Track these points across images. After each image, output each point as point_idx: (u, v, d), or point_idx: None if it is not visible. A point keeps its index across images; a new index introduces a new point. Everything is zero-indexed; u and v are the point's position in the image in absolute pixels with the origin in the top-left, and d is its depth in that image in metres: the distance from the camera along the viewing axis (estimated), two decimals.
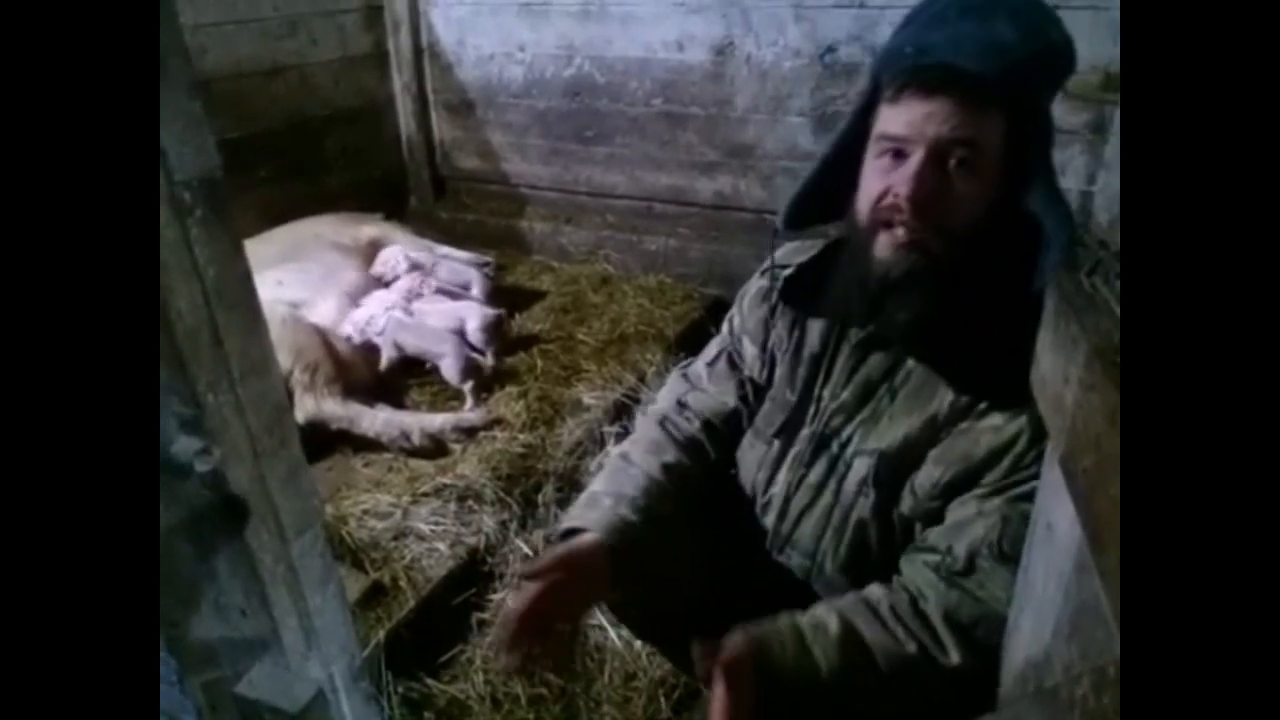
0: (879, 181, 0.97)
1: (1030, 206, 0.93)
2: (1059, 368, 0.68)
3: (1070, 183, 2.43)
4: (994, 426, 0.98)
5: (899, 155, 0.96)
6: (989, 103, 0.91)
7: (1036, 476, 0.94)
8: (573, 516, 1.15)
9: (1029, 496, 0.94)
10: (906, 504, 1.05)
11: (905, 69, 0.95)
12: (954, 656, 0.94)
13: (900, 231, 0.96)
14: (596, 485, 1.20)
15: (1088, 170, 2.41)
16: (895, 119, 0.95)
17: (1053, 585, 0.74)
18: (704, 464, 1.26)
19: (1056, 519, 0.75)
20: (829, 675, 0.95)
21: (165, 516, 0.61)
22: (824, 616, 0.99)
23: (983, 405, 1.00)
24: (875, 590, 1.02)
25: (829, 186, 1.07)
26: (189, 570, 0.65)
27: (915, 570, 1.01)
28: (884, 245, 0.98)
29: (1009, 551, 0.95)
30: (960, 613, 0.96)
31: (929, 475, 1.03)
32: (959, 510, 1.00)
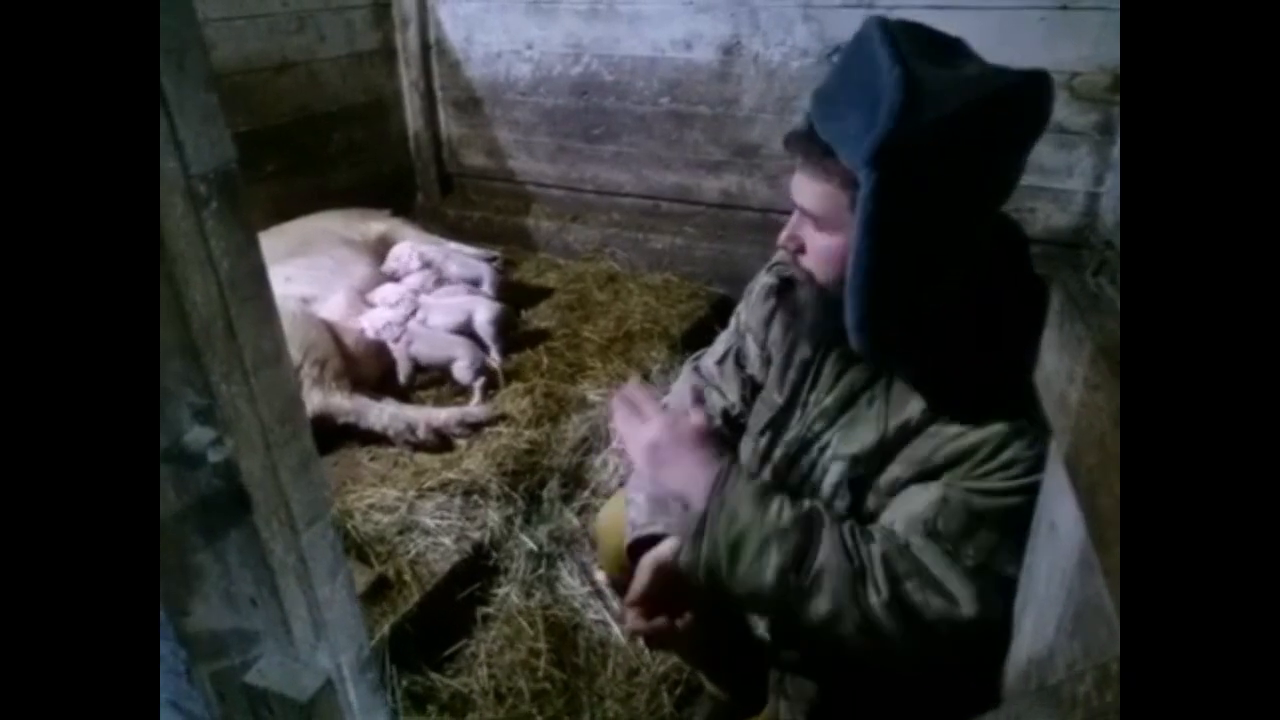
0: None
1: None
2: (1064, 367, 0.68)
3: (1077, 184, 2.43)
4: (958, 434, 0.99)
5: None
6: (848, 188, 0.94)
7: (992, 480, 0.96)
8: (643, 524, 1.16)
9: (977, 491, 0.96)
10: (871, 501, 1.07)
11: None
12: (878, 594, 0.95)
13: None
14: (651, 488, 1.19)
15: (1095, 171, 2.40)
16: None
17: (1056, 583, 0.75)
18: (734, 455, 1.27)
19: (1060, 517, 0.75)
20: (771, 522, 0.99)
21: (177, 506, 0.61)
22: (804, 500, 1.04)
23: (952, 414, 1.01)
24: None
25: None
26: (201, 560, 0.66)
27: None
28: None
29: (941, 530, 0.96)
30: (897, 562, 0.97)
31: (891, 474, 1.04)
32: (905, 490, 1.03)
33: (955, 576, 0.94)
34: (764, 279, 1.27)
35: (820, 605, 0.97)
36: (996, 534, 0.93)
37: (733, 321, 1.35)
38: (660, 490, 1.11)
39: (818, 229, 1.00)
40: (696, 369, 1.39)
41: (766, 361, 1.24)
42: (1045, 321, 0.75)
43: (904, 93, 0.83)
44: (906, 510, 0.99)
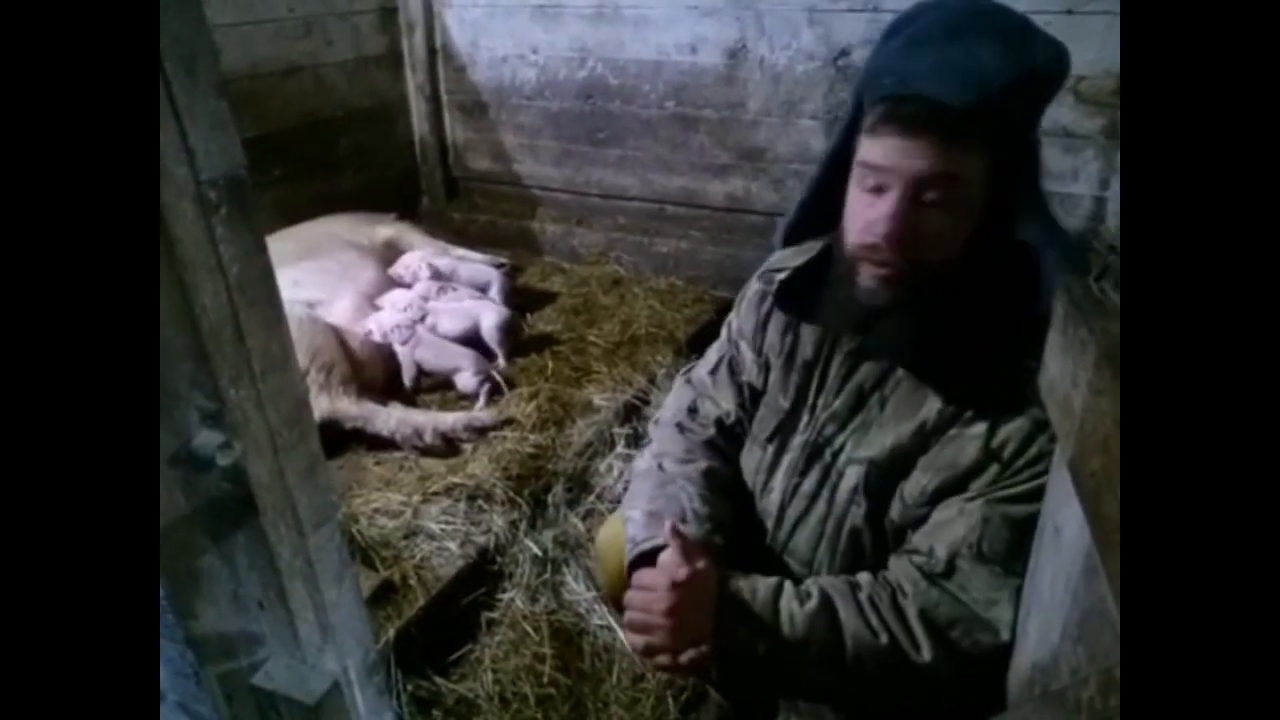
0: (861, 214, 0.99)
1: (1024, 236, 0.95)
2: (1068, 371, 0.68)
3: (1083, 188, 2.43)
4: (980, 434, 0.98)
5: (879, 189, 0.96)
6: (970, 137, 0.91)
7: (1023, 483, 0.95)
8: (643, 539, 1.12)
9: (1012, 500, 0.95)
10: (896, 510, 1.06)
11: (884, 98, 0.94)
12: (926, 654, 0.95)
13: (883, 269, 0.98)
14: (647, 505, 1.17)
15: (1101, 175, 2.40)
16: (874, 150, 0.95)
17: (1060, 588, 0.75)
18: (729, 467, 1.27)
19: (1064, 522, 0.75)
20: (790, 637, 0.98)
21: (186, 509, 0.62)
22: (809, 585, 1.02)
23: (970, 413, 1.00)
24: (863, 577, 1.03)
25: (823, 201, 1.10)
26: (209, 563, 0.67)
27: (900, 567, 1.02)
28: (867, 276, 1.00)
29: (988, 553, 0.95)
30: (938, 612, 0.96)
31: (917, 482, 1.03)
32: (941, 511, 1.01)
33: (1006, 599, 0.94)
34: (755, 286, 1.26)
35: (869, 685, 0.98)
36: None
37: (724, 331, 1.34)
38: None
39: (947, 203, 0.93)
40: (688, 381, 1.38)
41: (765, 368, 1.24)
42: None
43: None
44: (948, 536, 0.98)
